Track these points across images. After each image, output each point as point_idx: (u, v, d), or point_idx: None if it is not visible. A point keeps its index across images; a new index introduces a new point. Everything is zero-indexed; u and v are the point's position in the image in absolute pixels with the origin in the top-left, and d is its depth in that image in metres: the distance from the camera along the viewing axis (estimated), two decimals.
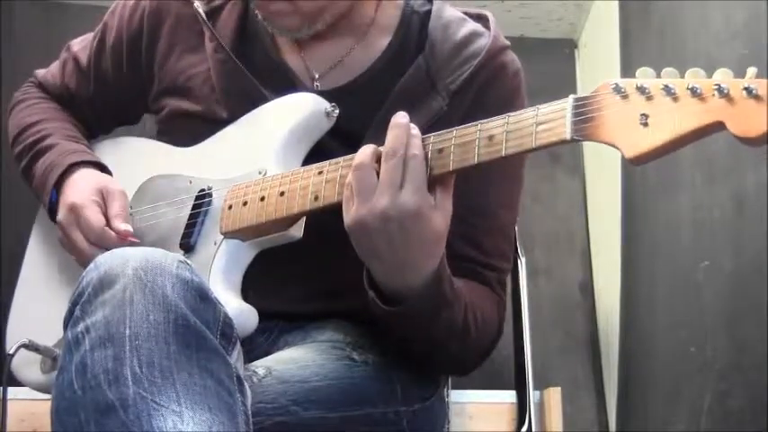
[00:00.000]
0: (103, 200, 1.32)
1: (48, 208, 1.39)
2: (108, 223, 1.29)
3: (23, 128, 1.49)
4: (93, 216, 1.29)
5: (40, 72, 1.59)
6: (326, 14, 1.30)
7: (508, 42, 1.35)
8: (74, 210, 1.30)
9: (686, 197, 1.92)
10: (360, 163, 1.09)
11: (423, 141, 1.08)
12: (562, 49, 3.11)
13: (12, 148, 1.50)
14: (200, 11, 1.38)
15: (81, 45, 1.55)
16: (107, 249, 1.22)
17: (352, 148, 1.14)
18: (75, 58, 1.54)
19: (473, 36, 1.32)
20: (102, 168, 1.40)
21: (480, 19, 1.37)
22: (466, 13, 1.38)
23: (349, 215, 1.09)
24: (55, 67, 1.58)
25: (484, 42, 1.32)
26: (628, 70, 2.39)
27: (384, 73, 1.33)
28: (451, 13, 1.36)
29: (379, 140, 1.10)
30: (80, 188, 1.33)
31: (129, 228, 1.28)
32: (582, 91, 1.15)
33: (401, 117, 1.09)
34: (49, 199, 1.37)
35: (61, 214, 1.32)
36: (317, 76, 1.36)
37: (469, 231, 1.26)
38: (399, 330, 1.18)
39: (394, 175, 1.06)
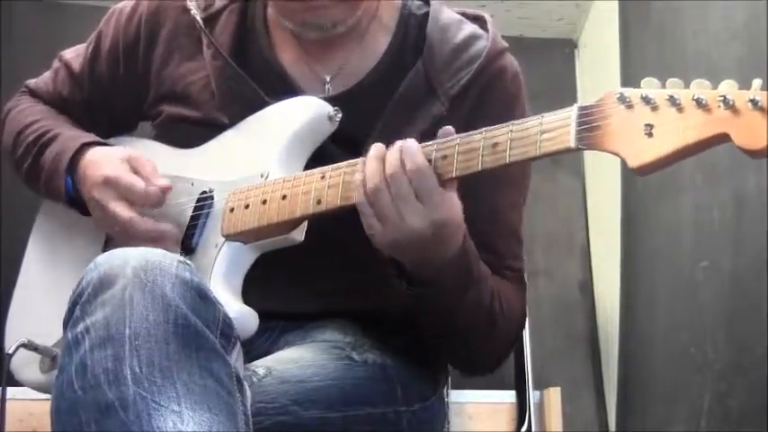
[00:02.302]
0: (132, 166, 1.31)
1: (64, 193, 1.36)
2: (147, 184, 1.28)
3: (21, 129, 1.46)
4: (133, 180, 1.28)
5: (32, 81, 1.56)
6: (360, 9, 1.28)
7: (506, 44, 1.34)
8: (110, 182, 1.28)
9: (687, 198, 1.92)
10: (373, 188, 1.08)
11: (426, 148, 1.08)
12: (562, 50, 3.11)
13: (12, 154, 1.47)
14: (198, 18, 1.36)
15: (74, 54, 1.52)
16: (153, 207, 1.26)
17: (353, 153, 1.14)
18: (68, 66, 1.51)
19: (471, 39, 1.32)
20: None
21: (477, 20, 1.36)
22: (463, 14, 1.37)
23: (377, 238, 1.10)
24: (46, 75, 1.54)
25: (483, 45, 1.31)
26: (627, 70, 2.39)
27: (384, 77, 1.32)
28: (449, 15, 1.35)
29: None
30: (106, 162, 1.32)
31: (168, 182, 1.28)
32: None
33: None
34: (65, 184, 1.35)
35: (97, 192, 1.30)
36: (327, 79, 1.34)
37: (483, 237, 1.24)
38: (426, 317, 1.18)
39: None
